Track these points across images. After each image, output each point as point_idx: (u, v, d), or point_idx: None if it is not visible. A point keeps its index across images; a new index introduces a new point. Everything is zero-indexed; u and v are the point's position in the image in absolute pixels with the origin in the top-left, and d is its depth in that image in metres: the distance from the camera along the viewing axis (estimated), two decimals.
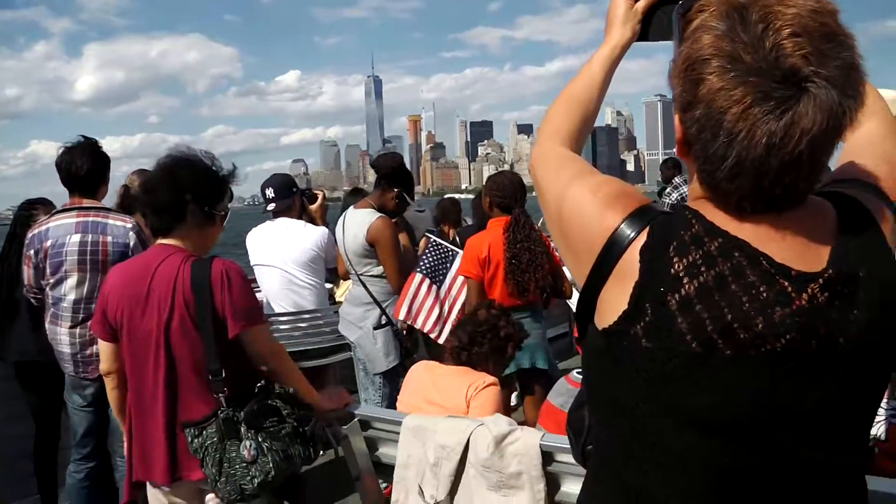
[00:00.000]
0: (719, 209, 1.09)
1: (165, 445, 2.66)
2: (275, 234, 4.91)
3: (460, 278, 4.55)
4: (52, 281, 3.81)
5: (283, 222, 4.95)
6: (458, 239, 6.07)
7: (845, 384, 1.08)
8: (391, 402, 4.17)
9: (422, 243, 4.90)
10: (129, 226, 3.85)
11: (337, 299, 5.64)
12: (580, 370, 3.16)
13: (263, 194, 5.05)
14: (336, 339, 4.73)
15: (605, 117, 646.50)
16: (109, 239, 3.80)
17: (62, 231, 3.79)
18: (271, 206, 4.97)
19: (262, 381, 2.76)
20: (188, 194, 2.72)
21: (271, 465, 2.54)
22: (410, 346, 4.65)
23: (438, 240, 4.85)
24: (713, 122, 1.01)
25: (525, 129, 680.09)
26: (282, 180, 5.24)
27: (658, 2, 1.47)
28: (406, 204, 4.69)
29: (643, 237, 1.10)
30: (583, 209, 1.19)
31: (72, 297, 3.79)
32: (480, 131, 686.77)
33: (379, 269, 4.43)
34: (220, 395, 2.61)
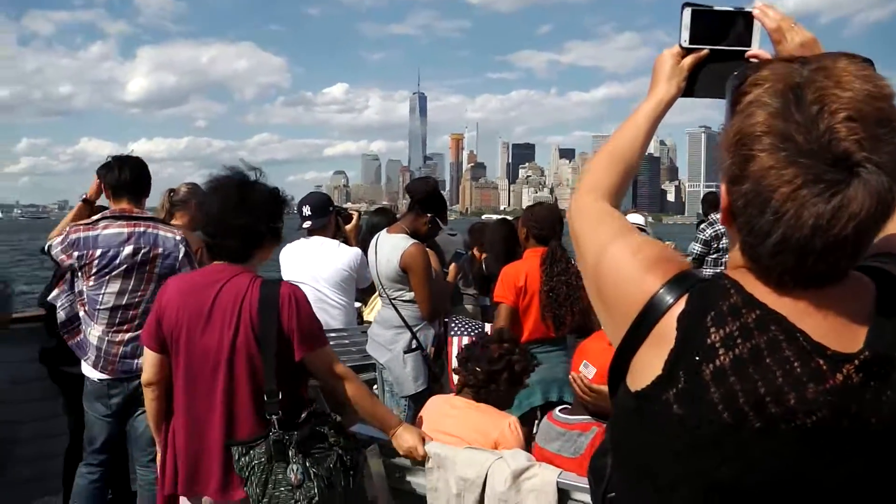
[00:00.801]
0: (759, 280, 1.09)
1: (221, 461, 2.68)
2: (309, 252, 4.97)
3: None
4: (92, 283, 3.84)
5: (318, 241, 5.01)
6: (484, 265, 6.09)
7: (874, 464, 1.06)
8: (415, 423, 4.17)
9: (451, 269, 4.91)
10: (179, 238, 3.91)
11: (365, 318, 5.66)
12: (562, 408, 3.14)
13: (300, 211, 5.11)
14: (361, 358, 4.75)
15: (648, 146, 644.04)
16: (160, 251, 3.86)
17: (114, 240, 3.83)
18: (307, 224, 5.04)
19: (313, 407, 2.82)
20: (264, 221, 2.80)
21: (315, 490, 2.56)
22: (438, 371, 4.65)
23: (465, 318, 4.84)
24: (761, 198, 1.02)
25: (567, 154, 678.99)
26: (319, 199, 5.31)
27: (706, 59, 1.48)
28: (438, 229, 4.70)
29: (681, 304, 1.10)
30: (622, 269, 1.20)
31: (111, 302, 3.83)
32: (522, 153, 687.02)
33: (411, 294, 4.44)
34: (274, 416, 2.62)
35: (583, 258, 1.31)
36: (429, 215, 4.52)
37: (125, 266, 3.81)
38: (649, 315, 1.12)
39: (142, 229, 3.87)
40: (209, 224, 2.80)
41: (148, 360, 2.85)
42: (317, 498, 2.56)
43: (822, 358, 1.03)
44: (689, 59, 1.48)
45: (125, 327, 3.84)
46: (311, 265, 4.93)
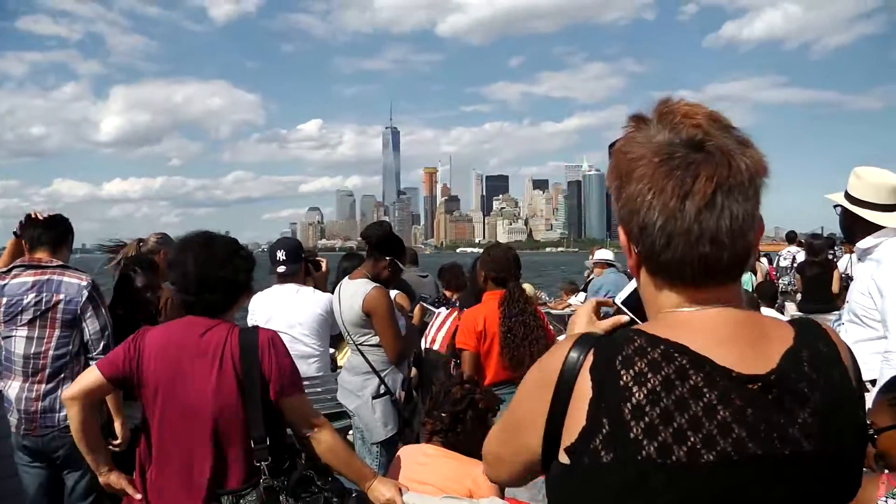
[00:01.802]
0: (666, 295, 1.19)
1: None
2: (284, 298, 5.02)
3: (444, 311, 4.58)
4: (3, 333, 3.89)
5: (292, 287, 5.07)
6: (459, 304, 6.15)
7: (797, 488, 1.11)
8: (388, 472, 4.16)
9: (416, 311, 4.95)
10: (84, 283, 3.92)
11: (339, 364, 5.69)
12: None
13: (274, 256, 5.16)
14: (335, 406, 4.76)
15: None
16: (62, 297, 3.88)
17: (19, 289, 3.87)
18: (282, 269, 5.08)
19: (296, 450, 2.80)
20: (242, 273, 2.85)
21: None
22: (409, 415, 4.66)
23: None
24: (637, 192, 1.14)
25: (540, 185, 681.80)
26: (294, 245, 5.38)
27: (624, 326, 1.46)
28: (399, 271, 4.75)
29: (591, 358, 1.16)
30: (526, 383, 1.28)
31: (21, 351, 3.85)
32: (496, 185, 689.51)
33: (377, 339, 4.45)
34: (264, 463, 2.62)
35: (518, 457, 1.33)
36: (387, 259, 4.55)
37: (29, 315, 3.85)
38: (566, 377, 1.17)
39: (46, 277, 3.90)
40: (188, 281, 2.76)
41: (92, 381, 2.72)
42: None
43: (728, 380, 1.09)
44: (606, 323, 1.48)
45: (38, 378, 3.85)
46: (287, 312, 4.97)
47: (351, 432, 4.66)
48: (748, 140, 1.17)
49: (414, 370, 5.24)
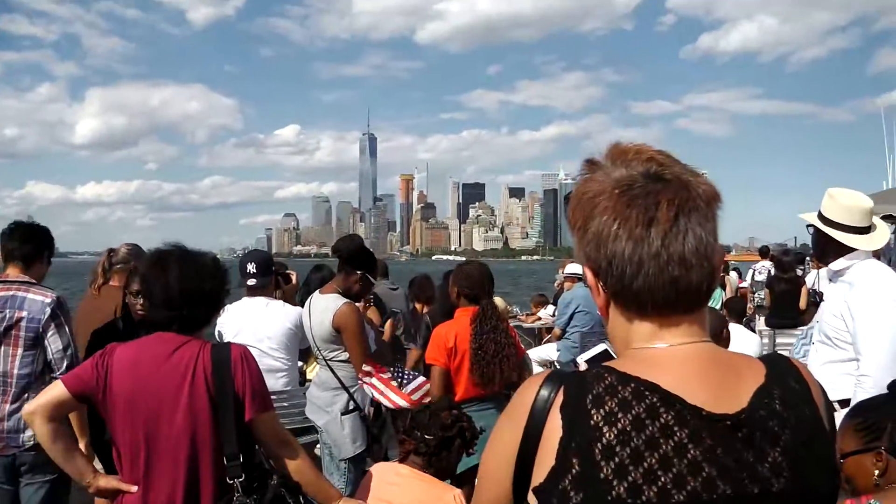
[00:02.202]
0: (637, 328, 1.19)
1: None
2: (253, 311, 5.00)
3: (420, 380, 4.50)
4: None
5: (262, 301, 5.06)
6: (429, 319, 6.16)
7: None
8: (356, 488, 4.14)
9: (387, 327, 4.95)
10: (48, 301, 3.87)
11: (308, 377, 5.69)
12: None
13: (244, 268, 5.14)
14: (303, 421, 4.75)
15: None
16: (24, 314, 3.83)
17: None
18: (252, 282, 5.07)
19: (266, 469, 2.77)
20: (222, 286, 2.83)
21: None
22: (377, 431, 4.65)
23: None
24: (602, 225, 1.16)
25: (516, 193, 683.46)
26: (265, 257, 5.39)
27: None
28: (371, 285, 4.73)
29: (560, 396, 1.15)
30: (498, 422, 1.27)
31: None
32: (473, 193, 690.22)
33: (347, 354, 4.43)
34: (237, 479, 2.59)
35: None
36: (358, 273, 4.53)
37: None
38: (536, 416, 1.16)
39: (10, 293, 3.85)
40: (169, 297, 2.68)
41: (51, 394, 2.63)
42: None
43: (699, 419, 1.09)
44: None
45: (3, 398, 3.80)
46: (256, 325, 4.95)
47: (318, 447, 4.65)
48: (698, 171, 1.20)
49: None
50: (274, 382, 4.87)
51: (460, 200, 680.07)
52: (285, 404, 4.89)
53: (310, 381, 5.45)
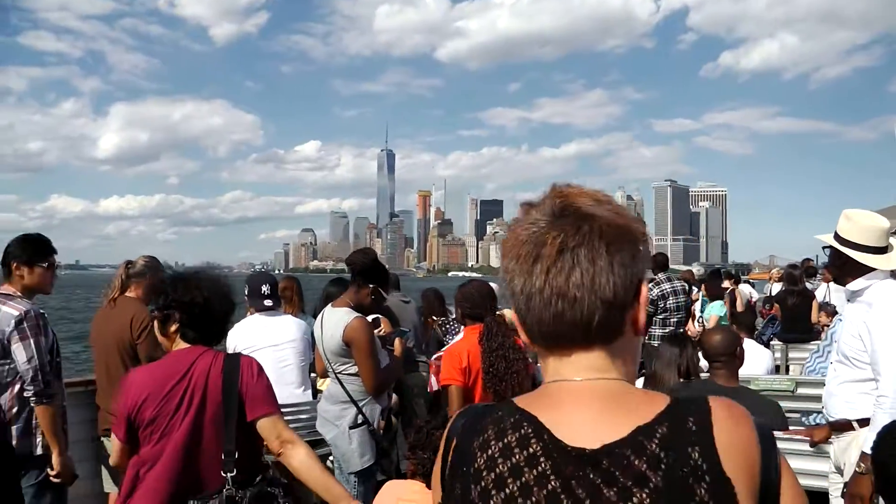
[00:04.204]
0: (547, 364, 1.22)
1: None
2: (267, 326, 5.19)
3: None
4: None
5: (274, 315, 5.30)
6: (439, 331, 6.17)
7: None
8: (366, 502, 4.17)
9: (396, 345, 4.93)
10: (17, 314, 3.93)
11: (318, 387, 5.74)
12: None
13: (258, 289, 5.24)
14: (311, 433, 4.79)
15: (616, 200, 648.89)
16: None
17: None
18: (269, 303, 5.19)
19: (269, 471, 3.07)
20: (234, 308, 3.20)
21: None
22: (387, 445, 4.66)
23: None
24: (505, 266, 1.21)
25: None
26: (276, 280, 5.54)
27: None
28: (383, 299, 4.78)
29: (455, 437, 1.24)
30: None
31: None
32: (490, 210, 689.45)
33: (356, 368, 4.46)
34: (229, 473, 2.87)
35: None
36: (370, 286, 4.56)
37: None
38: (444, 447, 1.26)
39: None
40: (198, 312, 3.01)
41: (115, 448, 3.03)
42: None
43: (560, 452, 1.11)
44: None
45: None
46: (268, 339, 5.08)
47: (330, 458, 4.69)
48: (623, 210, 1.22)
49: (395, 396, 5.28)
50: (287, 394, 4.94)
51: (478, 217, 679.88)
52: (304, 416, 4.94)
53: (321, 392, 5.52)
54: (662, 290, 8.20)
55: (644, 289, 1.19)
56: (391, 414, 4.85)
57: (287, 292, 6.13)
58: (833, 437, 3.81)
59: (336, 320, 4.46)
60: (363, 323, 4.44)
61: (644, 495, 1.06)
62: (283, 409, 4.73)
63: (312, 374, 5.47)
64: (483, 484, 1.14)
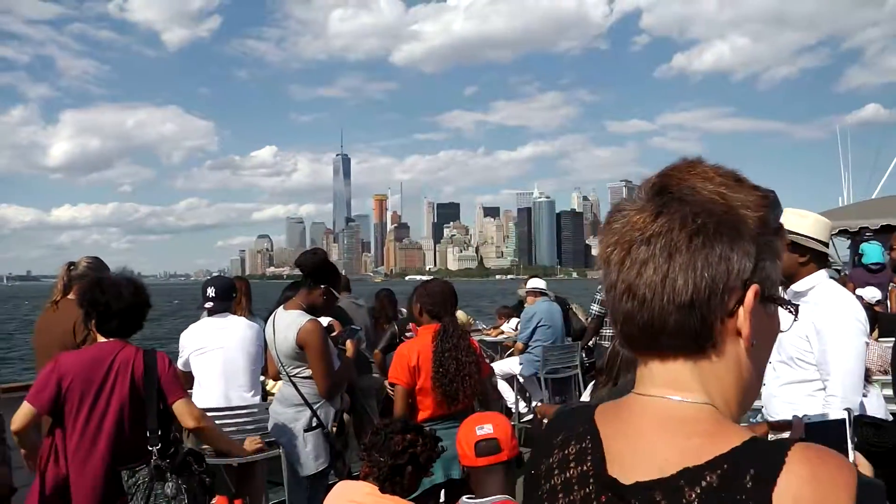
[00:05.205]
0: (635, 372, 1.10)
1: (102, 491, 3.43)
2: (216, 329, 5.09)
3: None
4: None
5: (223, 318, 5.17)
6: (395, 328, 6.19)
7: None
8: None
9: (349, 346, 4.87)
10: None
11: (269, 391, 5.70)
12: (469, 496, 3.18)
13: (204, 291, 5.20)
14: (263, 435, 4.75)
15: (571, 201, 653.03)
16: None
17: None
18: (209, 305, 5.12)
19: (180, 442, 3.77)
20: (148, 307, 3.71)
21: (186, 501, 3.49)
22: (341, 448, 4.63)
23: None
24: (599, 251, 1.05)
25: (491, 212, 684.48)
26: (226, 284, 5.42)
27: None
28: (335, 298, 4.73)
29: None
30: None
31: None
32: (447, 213, 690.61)
33: (310, 371, 4.43)
34: (155, 448, 3.52)
35: None
36: (322, 287, 4.54)
37: None
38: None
39: None
40: (120, 308, 3.57)
41: (23, 413, 3.43)
42: None
43: (600, 477, 1.01)
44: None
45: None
46: (218, 342, 5.00)
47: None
48: (738, 191, 0.98)
49: (346, 397, 5.26)
50: (236, 397, 4.92)
51: (435, 220, 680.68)
52: (249, 419, 4.90)
53: (272, 395, 5.48)
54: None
55: (751, 292, 0.96)
56: (342, 417, 4.83)
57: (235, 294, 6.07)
58: (770, 434, 3.87)
59: (289, 322, 4.43)
60: (317, 325, 4.41)
61: None
62: (232, 412, 4.77)
63: (262, 377, 5.43)
64: (539, 492, 1.09)
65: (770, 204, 0.99)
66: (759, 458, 0.89)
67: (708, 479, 0.90)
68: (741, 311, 0.95)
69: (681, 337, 0.96)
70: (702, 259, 0.94)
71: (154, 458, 3.48)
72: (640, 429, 0.99)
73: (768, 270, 0.98)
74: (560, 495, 1.04)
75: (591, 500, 0.99)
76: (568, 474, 1.04)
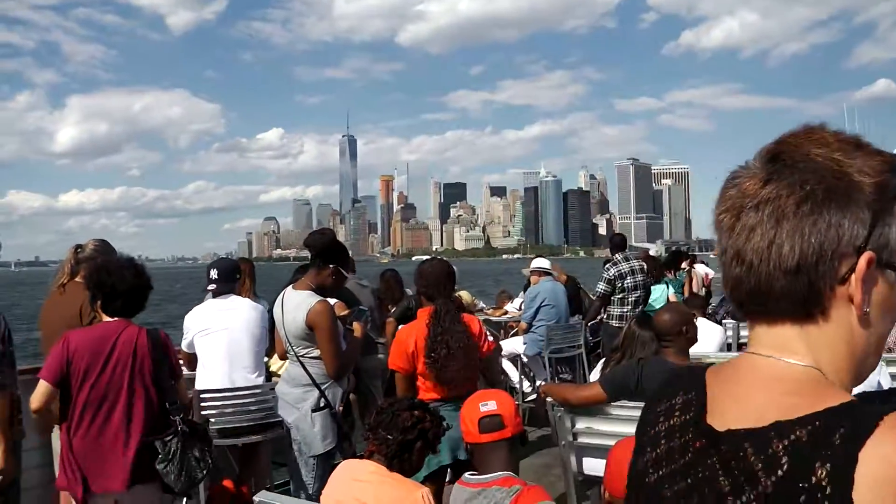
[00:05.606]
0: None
1: (129, 462, 3.70)
2: (220, 310, 5.12)
3: None
4: None
5: (228, 299, 5.18)
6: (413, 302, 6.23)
7: None
8: (323, 485, 4.12)
9: (356, 327, 4.88)
10: None
11: (271, 369, 5.74)
12: (472, 472, 3.21)
13: (208, 273, 5.22)
14: (267, 416, 4.80)
15: (578, 180, 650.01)
16: None
17: None
18: (211, 287, 5.14)
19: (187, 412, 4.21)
20: (150, 288, 3.96)
21: (210, 461, 3.90)
22: (348, 429, 4.65)
23: None
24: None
25: (498, 192, 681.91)
26: (229, 266, 5.43)
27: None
28: (344, 278, 4.74)
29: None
30: None
31: None
32: (454, 193, 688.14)
33: (318, 351, 4.43)
34: (178, 417, 3.85)
35: None
36: (331, 267, 4.53)
37: None
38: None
39: None
40: (124, 289, 3.83)
41: (41, 391, 3.63)
42: (210, 467, 3.90)
43: (698, 425, 1.04)
44: None
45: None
46: (223, 323, 5.04)
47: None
48: (856, 157, 0.97)
49: (352, 377, 5.30)
50: (241, 378, 4.96)
51: (441, 200, 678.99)
52: (253, 399, 4.95)
53: (276, 374, 5.53)
54: (620, 270, 8.30)
55: (864, 259, 0.94)
56: (349, 395, 4.86)
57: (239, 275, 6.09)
58: None
59: (298, 303, 4.44)
60: (326, 306, 4.41)
61: (752, 497, 0.92)
62: (237, 393, 4.81)
63: (266, 358, 5.47)
64: (644, 438, 1.13)
65: (892, 169, 0.97)
66: (853, 419, 0.88)
67: (797, 433, 0.90)
68: (853, 278, 0.95)
69: (788, 302, 0.98)
70: (809, 225, 0.94)
71: (180, 426, 3.81)
72: (744, 384, 1.01)
73: (887, 237, 0.96)
74: (663, 441, 1.08)
75: (689, 445, 1.03)
76: (672, 422, 1.09)
